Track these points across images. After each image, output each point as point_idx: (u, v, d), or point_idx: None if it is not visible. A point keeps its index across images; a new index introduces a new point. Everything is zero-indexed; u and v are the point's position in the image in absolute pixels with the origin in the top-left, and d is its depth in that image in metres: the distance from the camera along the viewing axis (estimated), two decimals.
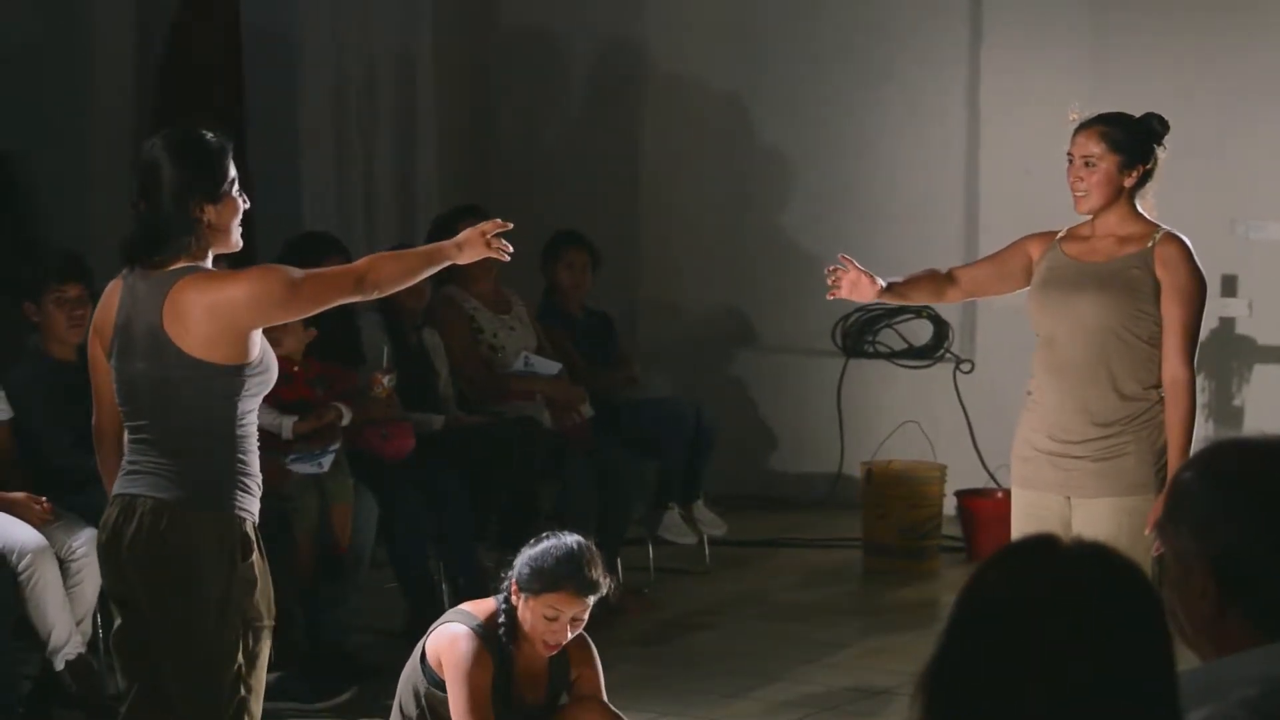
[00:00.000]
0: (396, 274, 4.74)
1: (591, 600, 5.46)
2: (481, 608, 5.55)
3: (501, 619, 5.46)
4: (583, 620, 5.47)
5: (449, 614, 5.63)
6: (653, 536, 8.92)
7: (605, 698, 5.64)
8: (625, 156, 10.97)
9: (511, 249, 4.92)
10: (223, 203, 4.63)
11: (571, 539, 5.49)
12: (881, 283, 5.87)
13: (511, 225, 4.92)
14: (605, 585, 5.49)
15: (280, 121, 9.67)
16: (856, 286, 5.86)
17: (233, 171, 4.66)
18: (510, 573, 5.51)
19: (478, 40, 11.03)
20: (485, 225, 4.88)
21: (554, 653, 5.49)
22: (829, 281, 5.95)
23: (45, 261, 7.34)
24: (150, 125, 9.38)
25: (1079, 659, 2.13)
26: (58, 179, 9.29)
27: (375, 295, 4.82)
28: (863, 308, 10.06)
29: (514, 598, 5.46)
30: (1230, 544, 2.46)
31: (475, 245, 4.85)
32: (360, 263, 4.82)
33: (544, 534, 5.56)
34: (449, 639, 5.45)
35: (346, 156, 10.04)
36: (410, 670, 5.57)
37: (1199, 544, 2.47)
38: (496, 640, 5.45)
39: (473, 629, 5.44)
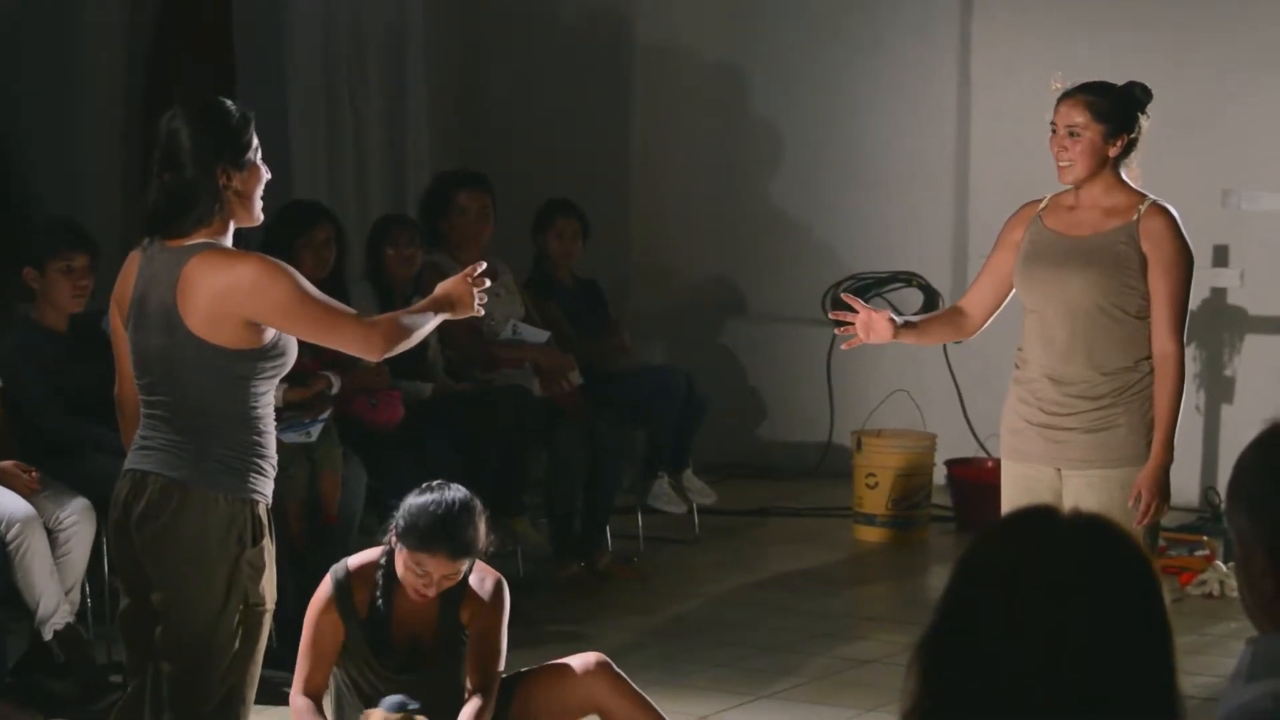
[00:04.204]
0: (405, 335, 4.66)
1: (464, 563, 5.38)
2: (365, 556, 5.54)
3: (382, 562, 5.45)
4: (455, 578, 5.38)
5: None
6: (642, 505, 8.92)
7: (501, 644, 5.49)
8: (616, 125, 10.94)
9: (486, 299, 4.91)
10: (247, 170, 4.59)
11: (455, 495, 5.38)
12: (898, 320, 5.71)
13: (485, 265, 4.90)
14: (482, 546, 5.39)
15: (271, 92, 9.62)
16: (871, 328, 5.66)
17: (255, 140, 4.63)
18: (396, 515, 5.43)
19: (468, 10, 11.00)
20: (468, 274, 4.82)
21: (425, 600, 5.41)
22: (837, 333, 5.79)
23: (46, 229, 7.30)
24: (141, 98, 9.37)
25: (1075, 629, 2.13)
26: (49, 149, 9.26)
27: (388, 355, 4.75)
28: (853, 275, 10.03)
29: (393, 541, 5.43)
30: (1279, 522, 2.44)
31: (467, 303, 4.81)
32: (371, 319, 4.73)
33: (432, 484, 5.46)
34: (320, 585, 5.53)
35: (337, 128, 10.00)
36: None
37: (1254, 524, 2.44)
38: (370, 583, 5.43)
39: (334, 576, 5.46)
